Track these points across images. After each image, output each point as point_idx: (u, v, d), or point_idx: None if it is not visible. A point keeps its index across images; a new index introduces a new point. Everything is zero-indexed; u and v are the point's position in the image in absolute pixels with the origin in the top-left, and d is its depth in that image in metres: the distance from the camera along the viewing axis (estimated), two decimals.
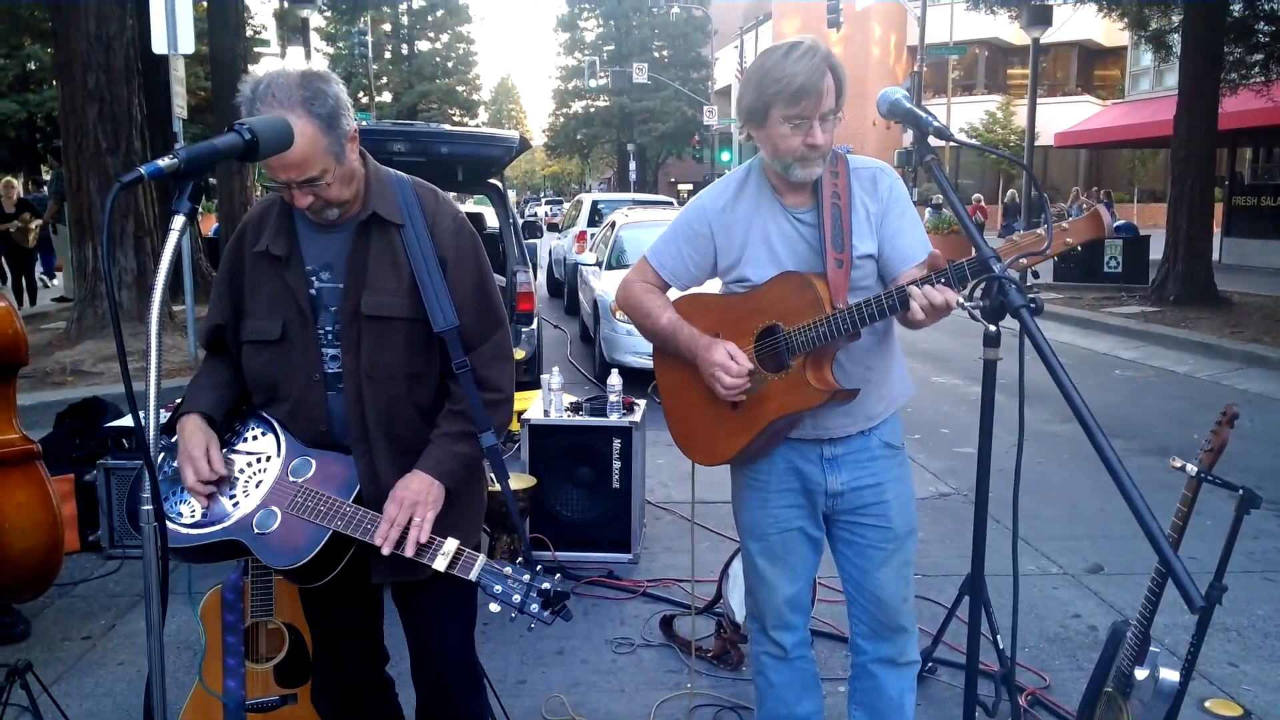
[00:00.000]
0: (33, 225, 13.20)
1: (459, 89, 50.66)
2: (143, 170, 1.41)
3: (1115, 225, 15.99)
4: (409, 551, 1.91)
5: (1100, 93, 37.61)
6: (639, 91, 44.48)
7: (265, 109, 1.82)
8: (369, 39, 36.11)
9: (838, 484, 2.34)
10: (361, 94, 35.33)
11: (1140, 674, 2.48)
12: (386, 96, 47.19)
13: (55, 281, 15.63)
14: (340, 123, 1.90)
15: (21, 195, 14.92)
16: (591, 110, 51.12)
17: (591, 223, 14.84)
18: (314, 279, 2.03)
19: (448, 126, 7.02)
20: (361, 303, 2.00)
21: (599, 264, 9.96)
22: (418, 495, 1.95)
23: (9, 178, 15.70)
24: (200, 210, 12.21)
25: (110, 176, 8.94)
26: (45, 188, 16.89)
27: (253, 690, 2.55)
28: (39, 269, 14.90)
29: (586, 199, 16.56)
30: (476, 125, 45.37)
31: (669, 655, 3.54)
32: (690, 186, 46.21)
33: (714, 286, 2.41)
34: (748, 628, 2.73)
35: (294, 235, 2.03)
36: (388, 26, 48.87)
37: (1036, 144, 18.87)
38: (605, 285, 8.86)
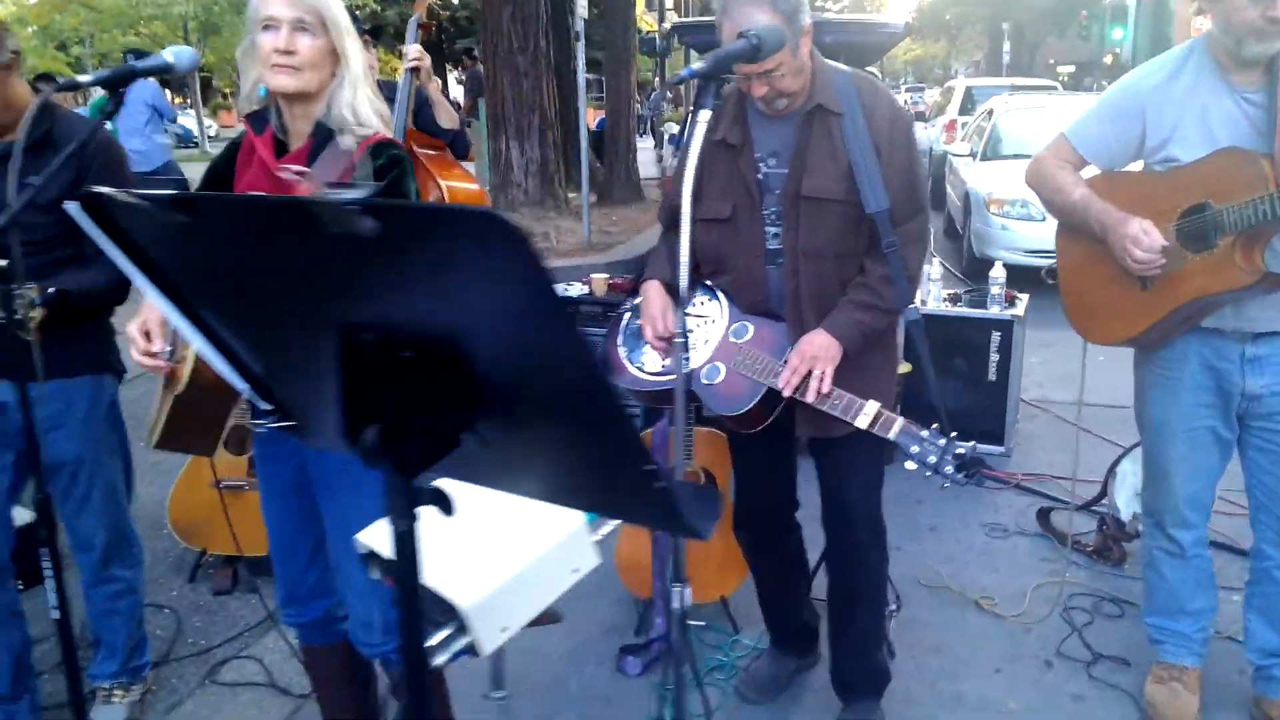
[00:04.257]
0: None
1: None
2: (683, 73, 1.74)
3: None
4: (809, 398, 2.14)
5: None
6: None
7: (737, 9, 2.03)
8: None
9: (1257, 386, 2.27)
10: None
11: None
12: None
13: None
14: (799, 18, 2.07)
15: None
16: None
17: (963, 111, 14.04)
18: (761, 165, 2.27)
19: (830, 15, 6.96)
20: (802, 185, 2.20)
21: (972, 154, 9.52)
22: (817, 350, 2.17)
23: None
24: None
25: (518, 73, 9.67)
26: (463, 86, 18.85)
27: None
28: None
29: (959, 85, 15.62)
30: (838, 10, 43.82)
31: (1044, 545, 3.61)
32: (1072, 68, 41.43)
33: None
34: (1142, 523, 2.75)
35: (746, 125, 2.27)
36: None
37: None
38: (979, 177, 8.49)
